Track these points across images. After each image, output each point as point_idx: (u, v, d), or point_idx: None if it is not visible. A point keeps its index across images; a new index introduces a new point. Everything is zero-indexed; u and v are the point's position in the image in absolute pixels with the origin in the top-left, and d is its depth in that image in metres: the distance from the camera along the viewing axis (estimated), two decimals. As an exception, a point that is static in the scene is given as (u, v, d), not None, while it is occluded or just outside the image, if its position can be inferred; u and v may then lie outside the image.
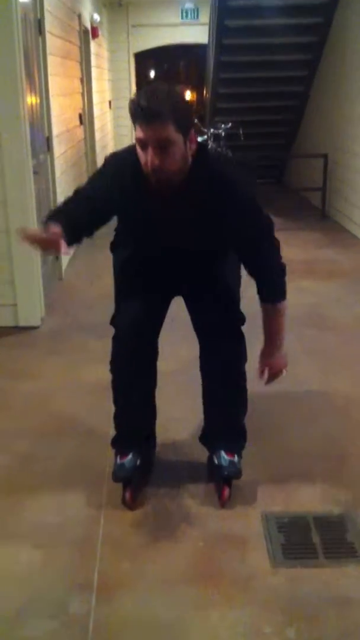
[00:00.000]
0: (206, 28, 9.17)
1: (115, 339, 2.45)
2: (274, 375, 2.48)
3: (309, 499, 2.48)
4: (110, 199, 2.21)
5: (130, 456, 2.49)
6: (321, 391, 3.30)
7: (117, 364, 2.48)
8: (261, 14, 7.04)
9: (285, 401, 3.19)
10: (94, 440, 2.78)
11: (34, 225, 4.09)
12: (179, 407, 2.99)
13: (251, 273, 2.32)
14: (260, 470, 2.62)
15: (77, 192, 2.30)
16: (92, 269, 5.28)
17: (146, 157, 2.01)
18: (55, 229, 1.98)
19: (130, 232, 2.38)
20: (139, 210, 2.21)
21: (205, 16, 9.86)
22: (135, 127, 2.02)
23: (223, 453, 2.50)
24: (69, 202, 2.28)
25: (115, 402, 2.55)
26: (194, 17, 11.22)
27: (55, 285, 4.93)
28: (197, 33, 10.76)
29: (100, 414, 2.79)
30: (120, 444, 2.57)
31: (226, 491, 2.46)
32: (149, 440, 2.66)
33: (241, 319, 2.44)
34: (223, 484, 2.48)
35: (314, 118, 8.20)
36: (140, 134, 2.00)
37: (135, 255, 2.41)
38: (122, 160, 2.22)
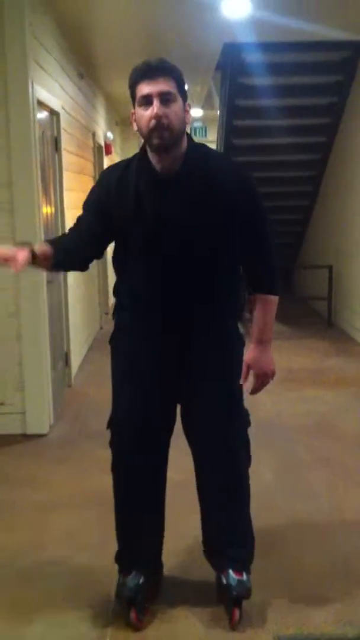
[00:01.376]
0: (214, 145, 9.63)
1: (113, 446, 2.38)
2: (260, 379, 2.33)
3: (323, 620, 2.37)
4: (106, 205, 2.24)
5: (133, 574, 2.39)
6: (332, 505, 3.25)
7: (118, 475, 2.41)
8: (267, 133, 7.43)
9: (296, 515, 3.13)
10: (101, 556, 2.69)
11: (45, 334, 4.16)
12: (187, 522, 2.90)
13: (250, 262, 2.29)
14: (271, 589, 2.53)
15: (76, 221, 2.37)
16: (102, 375, 5.29)
17: (151, 112, 2.06)
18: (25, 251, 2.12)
19: (130, 242, 2.25)
20: (138, 208, 2.17)
21: (212, 134, 10.38)
22: (136, 91, 2.09)
23: (231, 572, 2.36)
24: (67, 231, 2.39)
25: (117, 512, 2.44)
26: (202, 135, 11.81)
27: (64, 392, 4.95)
28: (205, 149, 11.23)
29: (108, 527, 2.71)
30: (122, 559, 2.45)
31: (236, 613, 2.34)
32: (156, 557, 2.51)
33: (246, 422, 2.37)
34: (233, 605, 2.35)
35: (319, 230, 8.45)
36: (145, 90, 2.06)
37: (133, 291, 2.29)
38: (112, 167, 2.34)
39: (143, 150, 2.21)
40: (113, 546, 2.48)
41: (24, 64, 3.85)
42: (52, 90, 4.71)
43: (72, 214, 5.54)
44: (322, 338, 6.91)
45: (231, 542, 2.41)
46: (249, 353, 2.34)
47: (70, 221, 5.35)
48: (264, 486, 3.39)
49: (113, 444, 2.39)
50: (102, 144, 8.27)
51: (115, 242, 2.33)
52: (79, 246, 2.34)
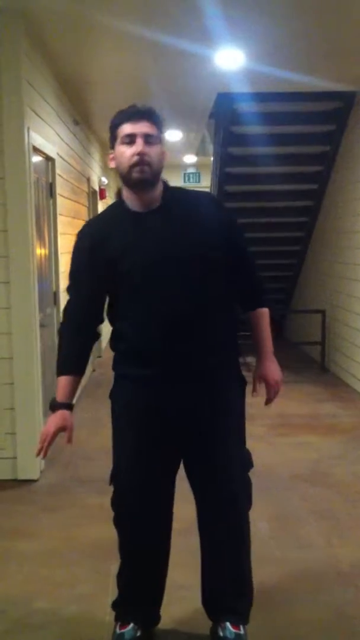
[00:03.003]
0: (207, 190, 9.75)
1: (116, 501, 2.34)
2: (273, 388, 2.42)
3: None
4: (94, 258, 2.25)
5: (130, 626, 2.35)
6: (327, 555, 3.19)
7: (122, 529, 2.36)
8: (259, 180, 7.53)
9: (291, 566, 3.07)
10: (91, 608, 2.63)
11: (38, 379, 4.13)
12: (182, 573, 2.85)
13: (240, 280, 2.37)
14: (265, 643, 2.48)
15: (67, 307, 2.36)
16: (93, 421, 5.26)
17: (135, 149, 2.16)
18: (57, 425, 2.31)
19: (125, 286, 2.24)
20: (127, 247, 2.21)
21: (206, 180, 10.51)
22: (118, 131, 2.21)
23: (229, 625, 2.32)
24: (66, 330, 2.37)
25: (122, 564, 2.41)
26: (196, 180, 11.96)
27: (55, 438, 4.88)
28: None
29: (98, 579, 2.67)
30: (121, 609, 2.41)
31: None
32: (155, 610, 2.46)
33: (248, 463, 2.36)
34: None
35: (311, 275, 8.50)
36: (128, 130, 2.18)
37: (133, 333, 2.25)
38: (86, 225, 2.40)
39: (118, 197, 2.31)
40: (103, 598, 2.42)
41: (19, 111, 3.91)
42: (47, 136, 4.77)
43: (65, 258, 5.56)
44: (315, 383, 6.89)
45: (231, 590, 2.38)
46: (260, 367, 2.43)
47: (63, 264, 5.39)
48: (258, 535, 3.32)
49: (116, 498, 2.36)
50: (97, 188, 8.35)
51: (109, 294, 2.32)
52: (83, 322, 2.35)
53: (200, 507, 2.38)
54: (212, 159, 8.49)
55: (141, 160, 2.16)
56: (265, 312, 2.43)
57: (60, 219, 5.26)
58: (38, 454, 2.28)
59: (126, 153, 2.18)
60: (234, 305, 2.39)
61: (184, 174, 11.94)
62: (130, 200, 2.25)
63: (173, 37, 4.31)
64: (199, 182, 11.89)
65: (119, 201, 2.30)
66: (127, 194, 2.26)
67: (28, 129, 4.00)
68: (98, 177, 8.50)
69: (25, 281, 4.02)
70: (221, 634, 2.32)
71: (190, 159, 10.91)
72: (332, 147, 7.10)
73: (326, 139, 7.07)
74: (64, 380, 2.33)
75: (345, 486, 4.06)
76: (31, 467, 4.13)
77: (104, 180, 8.86)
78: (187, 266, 2.20)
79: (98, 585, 2.64)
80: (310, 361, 8.02)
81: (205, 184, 10.81)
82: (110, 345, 2.40)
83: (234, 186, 7.65)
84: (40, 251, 4.49)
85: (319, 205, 7.89)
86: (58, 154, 5.21)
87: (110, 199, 10.18)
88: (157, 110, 2.24)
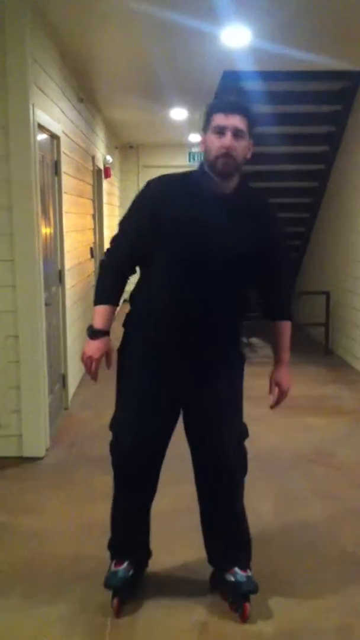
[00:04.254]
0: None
1: (114, 447, 2.49)
2: (284, 394, 2.59)
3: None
4: (160, 206, 2.35)
5: (125, 565, 2.57)
6: (330, 537, 3.20)
7: (117, 474, 2.53)
8: (265, 160, 7.48)
9: (294, 546, 3.10)
10: (96, 586, 2.65)
11: (43, 357, 4.14)
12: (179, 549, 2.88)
13: (274, 290, 2.54)
14: (268, 621, 2.51)
15: (113, 246, 2.48)
16: (98, 398, 5.27)
17: (222, 141, 2.28)
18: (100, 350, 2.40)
19: (172, 249, 2.36)
20: (193, 214, 2.33)
21: (211, 160, 10.43)
22: (212, 119, 2.30)
23: (238, 570, 2.55)
24: (107, 265, 2.48)
25: (115, 506, 2.60)
26: (200, 159, 11.87)
27: (60, 415, 4.91)
28: (203, 175, 11.32)
29: (103, 556, 2.70)
30: (116, 549, 2.62)
31: (248, 607, 2.51)
32: (146, 545, 2.68)
33: (245, 433, 2.52)
34: (244, 600, 2.52)
35: (316, 257, 8.48)
36: (220, 121, 2.28)
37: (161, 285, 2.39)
38: (164, 177, 2.45)
39: (202, 169, 2.39)
40: (109, 575, 2.45)
41: (24, 88, 3.88)
42: (52, 114, 4.74)
43: (71, 236, 5.56)
44: (319, 365, 6.89)
45: (233, 543, 2.59)
46: (277, 373, 2.59)
47: (68, 243, 5.38)
48: (261, 515, 3.35)
49: (114, 441, 2.49)
50: (102, 167, 8.31)
51: (155, 250, 2.38)
52: (122, 265, 2.47)
53: (197, 471, 2.56)
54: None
55: (228, 154, 2.29)
56: (289, 325, 2.59)
57: (66, 197, 5.23)
58: (94, 378, 2.43)
59: (215, 143, 2.30)
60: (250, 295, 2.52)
61: (189, 152, 11.86)
62: (208, 178, 2.37)
63: (178, 14, 4.26)
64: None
65: (201, 172, 2.40)
66: (208, 172, 2.37)
67: (33, 106, 3.97)
68: (103, 156, 8.46)
69: (30, 259, 4.01)
70: (232, 579, 2.55)
71: (195, 137, 10.83)
72: (338, 127, 7.04)
73: (332, 119, 7.01)
74: (102, 310, 2.45)
75: (348, 467, 4.07)
76: (37, 444, 4.15)
77: (109, 158, 8.81)
78: (231, 256, 2.33)
79: (103, 563, 2.67)
80: (314, 343, 8.02)
81: (210, 163, 10.75)
82: (131, 299, 2.51)
83: (239, 166, 7.59)
84: (45, 230, 4.48)
85: (324, 186, 7.85)
86: (63, 131, 5.18)
87: (115, 178, 10.14)
88: (250, 108, 2.35)
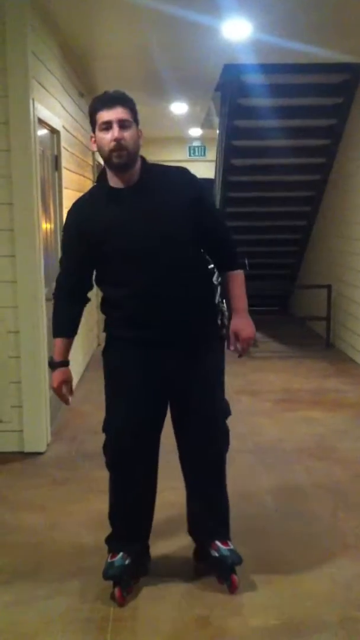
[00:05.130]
0: (213, 164, 9.68)
1: (108, 447, 2.60)
2: (245, 342, 2.62)
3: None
4: (83, 233, 2.48)
5: (119, 555, 2.61)
6: (332, 530, 3.20)
7: (113, 469, 2.61)
8: (266, 154, 7.47)
9: (296, 539, 3.09)
10: (97, 580, 2.65)
11: (44, 352, 4.14)
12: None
13: (213, 244, 2.61)
14: (269, 611, 2.52)
15: (59, 277, 2.67)
16: (99, 394, 5.27)
17: (111, 135, 2.37)
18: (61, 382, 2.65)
19: (110, 255, 2.47)
20: (111, 220, 2.44)
21: (211, 154, 10.43)
22: (96, 117, 2.40)
23: (219, 544, 2.64)
24: (59, 297, 2.67)
25: (111, 499, 2.67)
26: (201, 154, 11.86)
27: (61, 410, 4.91)
28: (204, 169, 11.30)
29: (103, 552, 2.71)
30: (112, 542, 2.68)
31: (235, 579, 2.61)
32: (145, 539, 2.73)
33: (227, 411, 2.65)
34: (230, 572, 2.61)
35: (318, 250, 8.47)
36: (105, 117, 2.37)
37: (119, 290, 2.49)
38: (75, 202, 2.59)
39: (100, 177, 2.52)
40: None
41: (25, 82, 3.87)
42: (53, 108, 4.72)
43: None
44: (321, 359, 6.89)
45: (214, 516, 2.70)
46: (234, 323, 2.63)
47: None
48: (263, 508, 3.36)
49: (108, 442, 2.60)
50: (102, 162, 8.29)
51: (97, 264, 2.54)
52: (74, 290, 2.64)
53: (183, 450, 2.67)
54: (217, 132, 8.42)
55: (119, 146, 2.36)
56: (236, 274, 2.66)
57: (66, 192, 5.22)
58: (65, 403, 2.72)
59: (105, 139, 2.39)
60: (212, 270, 2.65)
61: (189, 147, 11.84)
62: (112, 178, 2.48)
63: (179, 7, 4.25)
64: (204, 155, 11.79)
65: (104, 178, 2.51)
66: (109, 173, 2.48)
67: (33, 100, 3.96)
68: (103, 151, 8.43)
69: (30, 255, 4.01)
70: (216, 554, 2.64)
71: (195, 132, 10.81)
72: (340, 120, 7.02)
73: (333, 112, 6.99)
74: (59, 342, 2.66)
75: (350, 461, 4.07)
76: (38, 440, 4.15)
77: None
78: (164, 236, 2.43)
79: (103, 558, 2.68)
80: (316, 336, 8.02)
81: (210, 157, 10.72)
82: (101, 309, 2.64)
83: (239, 159, 7.57)
84: (45, 225, 4.47)
85: (326, 180, 7.83)
86: (63, 126, 5.17)
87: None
88: (127, 94, 2.44)
